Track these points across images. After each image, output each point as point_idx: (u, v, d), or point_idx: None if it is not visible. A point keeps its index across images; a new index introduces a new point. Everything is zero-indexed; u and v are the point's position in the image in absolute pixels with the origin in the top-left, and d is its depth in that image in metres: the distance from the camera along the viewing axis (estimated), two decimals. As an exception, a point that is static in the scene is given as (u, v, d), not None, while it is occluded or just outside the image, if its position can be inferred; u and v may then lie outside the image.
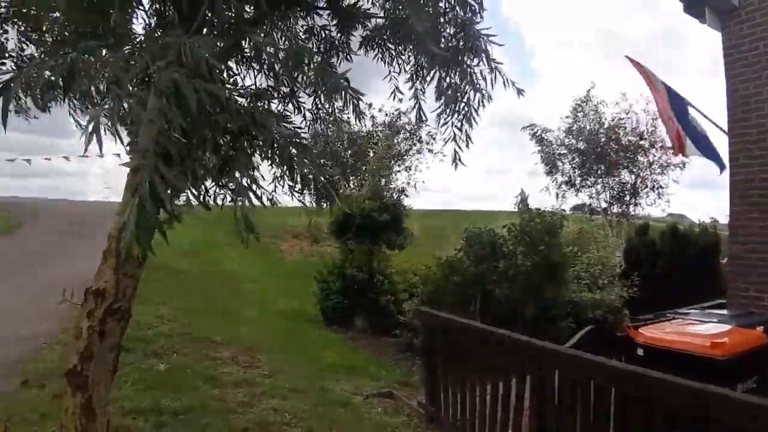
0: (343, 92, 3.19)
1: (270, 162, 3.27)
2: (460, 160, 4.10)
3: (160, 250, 2.47)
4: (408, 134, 20.23)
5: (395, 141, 20.23)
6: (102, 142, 2.13)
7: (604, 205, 19.22)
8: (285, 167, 3.16)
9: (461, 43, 4.04)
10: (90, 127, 2.19)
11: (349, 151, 19.71)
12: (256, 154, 3.13)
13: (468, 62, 4.03)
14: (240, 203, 2.46)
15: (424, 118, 4.48)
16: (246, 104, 3.18)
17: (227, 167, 2.93)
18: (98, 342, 2.94)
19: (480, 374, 4.74)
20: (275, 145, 3.00)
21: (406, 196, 19.06)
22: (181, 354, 6.40)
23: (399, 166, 20.10)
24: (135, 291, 3.12)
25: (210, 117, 2.48)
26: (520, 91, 4.06)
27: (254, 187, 2.53)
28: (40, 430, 4.27)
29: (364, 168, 18.98)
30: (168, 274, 11.68)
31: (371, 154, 19.42)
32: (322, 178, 2.86)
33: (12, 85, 2.48)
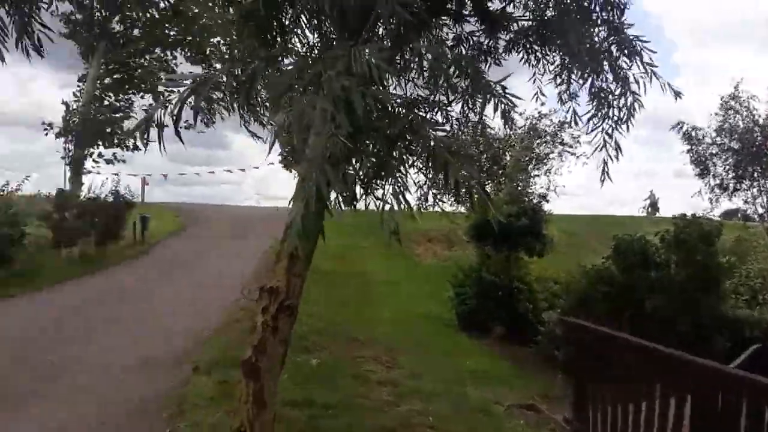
0: (496, 99, 3.11)
1: (424, 168, 3.28)
2: (608, 174, 3.93)
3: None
4: (549, 138, 19.48)
5: (535, 144, 19.59)
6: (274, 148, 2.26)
7: (761, 210, 16.94)
8: (440, 173, 3.15)
9: (614, 47, 3.85)
10: (273, 135, 2.31)
11: (485, 155, 19.42)
12: (409, 160, 3.16)
13: (620, 65, 3.83)
14: (389, 208, 2.50)
15: (574, 122, 4.29)
16: (402, 112, 3.23)
17: (381, 172, 2.99)
18: (271, 336, 3.14)
19: (634, 391, 4.38)
20: (430, 152, 2.98)
21: (547, 201, 18.33)
22: (329, 351, 6.70)
23: (539, 169, 19.41)
24: (302, 290, 3.28)
25: (372, 123, 2.54)
26: (678, 94, 3.81)
27: (405, 192, 2.56)
28: (209, 413, 4.64)
29: (500, 172, 18.59)
30: (316, 276, 12.38)
31: (508, 158, 18.96)
32: (478, 185, 2.80)
33: (199, 89, 2.74)
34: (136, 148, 16.61)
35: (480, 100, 3.55)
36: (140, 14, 16.49)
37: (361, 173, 3.06)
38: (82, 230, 14.08)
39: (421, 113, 3.61)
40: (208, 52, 16.85)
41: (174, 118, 2.63)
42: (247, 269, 13.15)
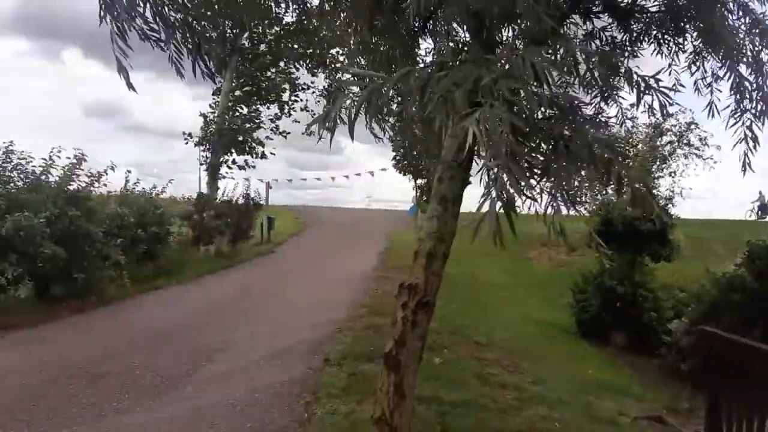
0: (651, 93, 3.05)
1: (586, 166, 3.26)
2: (749, 164, 3.68)
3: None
4: (674, 137, 18.21)
5: (658, 143, 18.41)
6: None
7: None
8: (602, 171, 3.14)
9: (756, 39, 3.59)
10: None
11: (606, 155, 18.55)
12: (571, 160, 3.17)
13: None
14: (553, 209, 2.54)
15: (711, 114, 4.07)
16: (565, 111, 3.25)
17: (546, 173, 3.02)
18: (410, 331, 3.32)
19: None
20: (592, 150, 2.98)
21: (673, 205, 17.14)
22: (451, 350, 6.82)
23: (663, 170, 18.21)
24: (438, 288, 3.43)
25: (536, 124, 2.61)
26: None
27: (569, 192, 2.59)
28: (343, 402, 4.94)
29: (622, 172, 17.63)
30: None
31: (631, 156, 17.99)
32: (642, 184, 2.78)
33: (372, 97, 2.96)
34: (263, 156, 18.02)
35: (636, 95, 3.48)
36: (267, 30, 17.76)
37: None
38: (218, 229, 15.48)
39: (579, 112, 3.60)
40: (327, 62, 17.80)
41: (347, 120, 2.85)
42: (366, 267, 13.67)
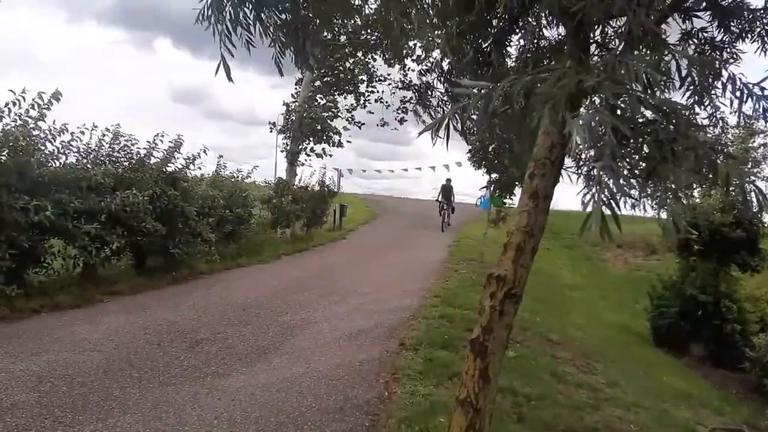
0: (754, 99, 3.04)
1: (691, 168, 3.29)
2: None
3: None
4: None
5: (751, 144, 17.37)
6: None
7: None
8: (709, 173, 3.16)
9: None
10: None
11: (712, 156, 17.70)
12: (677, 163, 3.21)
13: None
14: (668, 210, 2.61)
15: None
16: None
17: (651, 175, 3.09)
18: (497, 319, 3.49)
19: None
20: (697, 153, 3.02)
21: (766, 212, 16.12)
22: (523, 345, 6.91)
23: (757, 174, 17.19)
24: (527, 280, 3.57)
25: (640, 128, 2.70)
26: None
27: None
28: (421, 384, 5.18)
29: (729, 172, 16.79)
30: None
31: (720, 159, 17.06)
32: (752, 183, 2.80)
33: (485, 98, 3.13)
34: (340, 144, 18.54)
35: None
36: (347, 21, 18.16)
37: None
38: (295, 214, 16.13)
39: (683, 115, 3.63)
40: (405, 54, 17.98)
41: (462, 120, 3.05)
42: (435, 259, 13.85)
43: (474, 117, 3.47)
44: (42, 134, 7.49)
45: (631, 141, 2.83)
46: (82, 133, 8.37)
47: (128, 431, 3.90)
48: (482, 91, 2.96)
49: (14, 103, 7.05)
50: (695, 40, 4.21)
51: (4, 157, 6.81)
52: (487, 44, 4.64)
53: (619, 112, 3.01)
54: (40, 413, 4.05)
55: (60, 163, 7.98)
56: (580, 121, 2.46)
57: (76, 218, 7.67)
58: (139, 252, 9.65)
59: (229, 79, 3.90)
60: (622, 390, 6.18)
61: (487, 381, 3.56)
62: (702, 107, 3.97)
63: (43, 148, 7.53)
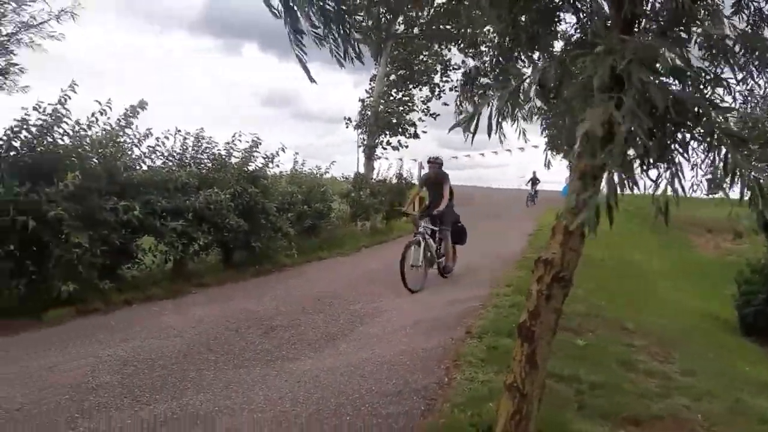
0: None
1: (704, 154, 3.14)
2: None
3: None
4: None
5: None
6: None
7: None
8: (720, 161, 3.00)
9: None
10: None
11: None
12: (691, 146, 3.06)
13: None
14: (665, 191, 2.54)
15: None
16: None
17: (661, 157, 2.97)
18: (544, 303, 3.45)
19: None
20: (712, 139, 2.87)
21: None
22: (595, 333, 6.68)
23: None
24: (576, 264, 3.50)
25: (664, 117, 2.61)
26: None
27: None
28: (481, 371, 5.18)
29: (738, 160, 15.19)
30: (586, 263, 12.17)
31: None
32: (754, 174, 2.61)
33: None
34: (416, 135, 18.65)
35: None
36: (419, 13, 18.19)
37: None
38: (373, 207, 16.48)
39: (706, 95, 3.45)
40: (477, 42, 17.73)
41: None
42: (513, 249, 13.62)
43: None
44: (128, 140, 8.24)
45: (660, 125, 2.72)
46: (167, 138, 9.10)
47: (199, 408, 4.26)
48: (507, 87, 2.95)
49: (101, 113, 7.77)
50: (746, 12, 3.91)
51: (94, 163, 7.55)
52: (534, 24, 4.55)
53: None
54: (121, 393, 4.52)
55: (146, 166, 8.73)
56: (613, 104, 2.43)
57: (164, 217, 8.36)
58: (226, 247, 10.32)
59: (311, 79, 3.88)
60: (697, 378, 5.82)
61: (534, 366, 3.54)
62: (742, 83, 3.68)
63: (129, 153, 8.29)
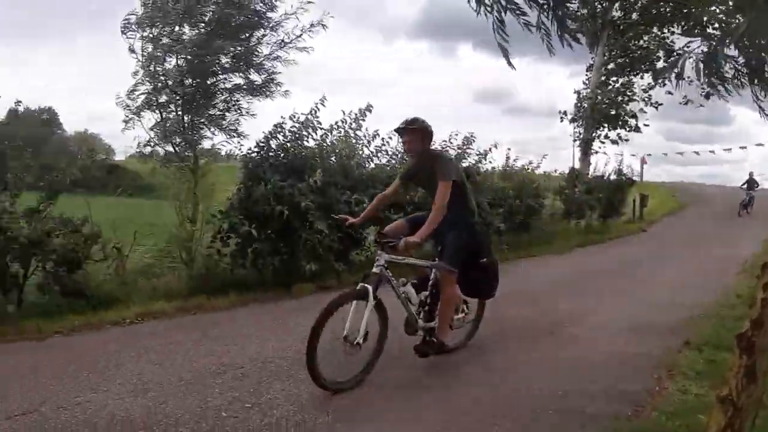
0: None
1: None
2: None
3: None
4: None
5: None
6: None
7: None
8: None
9: None
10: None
11: None
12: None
13: None
14: None
15: None
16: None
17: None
18: (769, 313, 3.25)
19: None
20: None
21: None
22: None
23: None
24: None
25: None
26: None
27: None
28: (696, 384, 4.88)
29: None
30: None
31: None
32: None
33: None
34: (637, 129, 17.34)
35: None
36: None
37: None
38: (589, 204, 15.83)
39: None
40: (704, 21, 15.70)
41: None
42: (745, 254, 11.93)
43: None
44: (359, 141, 9.49)
45: None
46: (390, 138, 10.14)
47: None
48: None
49: (343, 122, 9.13)
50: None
51: (332, 162, 8.88)
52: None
53: None
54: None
55: (374, 164, 9.90)
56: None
57: (389, 209, 9.36)
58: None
59: (510, 65, 3.68)
60: None
61: (752, 379, 3.35)
62: None
63: (360, 152, 9.51)
